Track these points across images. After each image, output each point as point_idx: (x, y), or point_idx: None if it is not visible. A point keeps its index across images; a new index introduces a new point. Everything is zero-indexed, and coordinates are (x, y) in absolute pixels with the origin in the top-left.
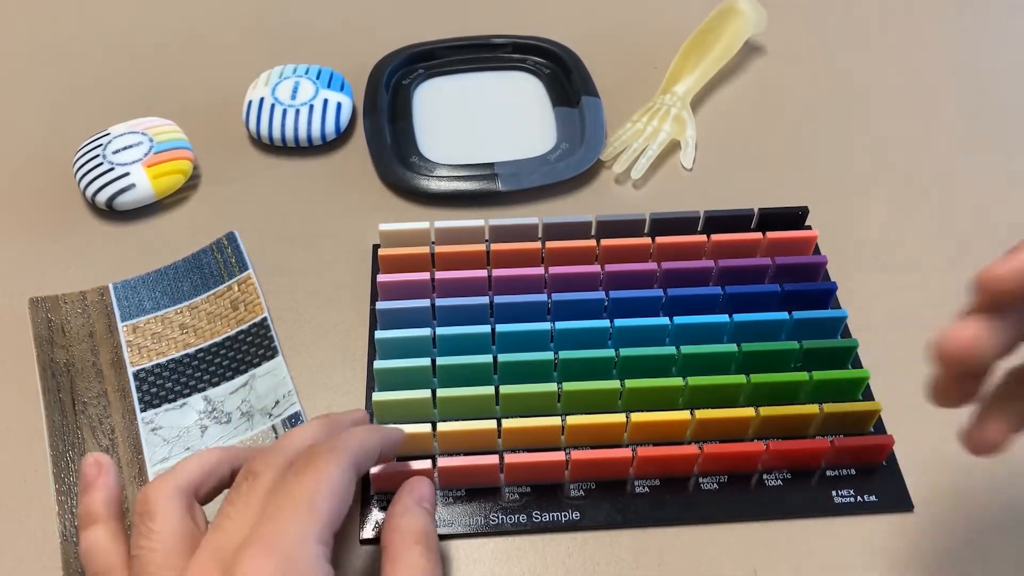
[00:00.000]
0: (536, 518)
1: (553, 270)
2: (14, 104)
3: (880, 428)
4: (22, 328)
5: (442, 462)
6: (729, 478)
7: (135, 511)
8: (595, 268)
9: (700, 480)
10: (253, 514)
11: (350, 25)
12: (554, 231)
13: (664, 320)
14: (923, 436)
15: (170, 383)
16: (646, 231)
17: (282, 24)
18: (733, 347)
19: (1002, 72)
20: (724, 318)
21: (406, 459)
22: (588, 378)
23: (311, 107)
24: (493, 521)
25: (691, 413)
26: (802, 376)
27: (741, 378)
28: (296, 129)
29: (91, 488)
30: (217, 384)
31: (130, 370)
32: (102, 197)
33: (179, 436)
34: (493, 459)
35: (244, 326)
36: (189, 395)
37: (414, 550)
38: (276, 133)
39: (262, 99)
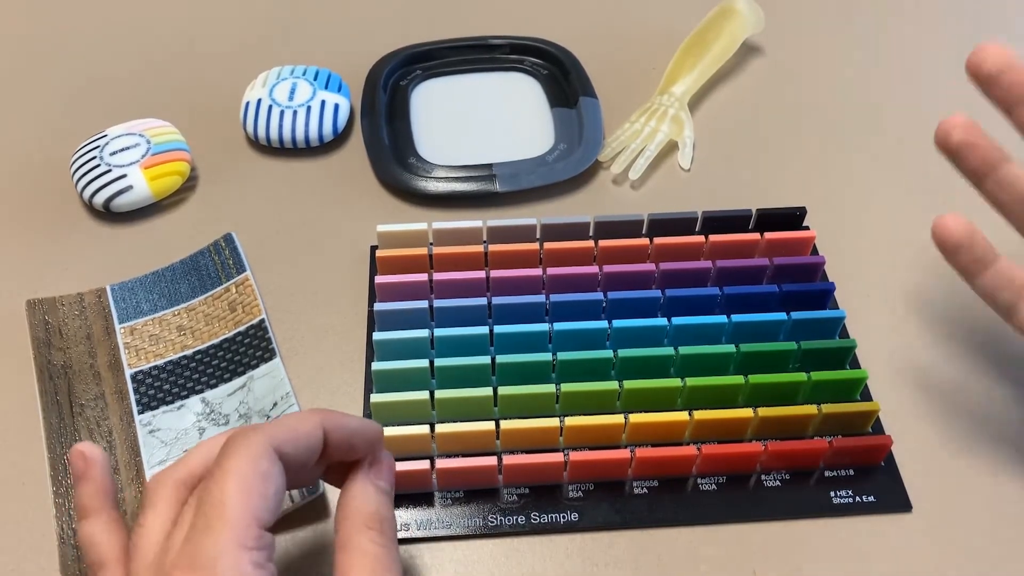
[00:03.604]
0: (535, 519)
1: (551, 271)
2: (11, 106)
3: (879, 428)
4: (19, 330)
5: (440, 463)
6: (728, 479)
7: (140, 503)
8: (593, 269)
9: (699, 481)
10: (188, 524)
11: (348, 26)
12: (552, 232)
13: (662, 321)
14: (921, 436)
15: (168, 385)
16: (644, 232)
17: (280, 25)
18: (731, 348)
19: None
20: (722, 319)
21: (405, 460)
22: (586, 379)
23: (308, 108)
24: (492, 522)
25: (689, 414)
26: (800, 376)
27: (739, 379)
28: (294, 130)
29: (80, 481)
30: (215, 386)
31: (128, 372)
32: (100, 199)
33: (177, 438)
34: (492, 460)
35: (242, 328)
36: (187, 397)
37: (365, 535)
38: (274, 134)
39: (260, 100)
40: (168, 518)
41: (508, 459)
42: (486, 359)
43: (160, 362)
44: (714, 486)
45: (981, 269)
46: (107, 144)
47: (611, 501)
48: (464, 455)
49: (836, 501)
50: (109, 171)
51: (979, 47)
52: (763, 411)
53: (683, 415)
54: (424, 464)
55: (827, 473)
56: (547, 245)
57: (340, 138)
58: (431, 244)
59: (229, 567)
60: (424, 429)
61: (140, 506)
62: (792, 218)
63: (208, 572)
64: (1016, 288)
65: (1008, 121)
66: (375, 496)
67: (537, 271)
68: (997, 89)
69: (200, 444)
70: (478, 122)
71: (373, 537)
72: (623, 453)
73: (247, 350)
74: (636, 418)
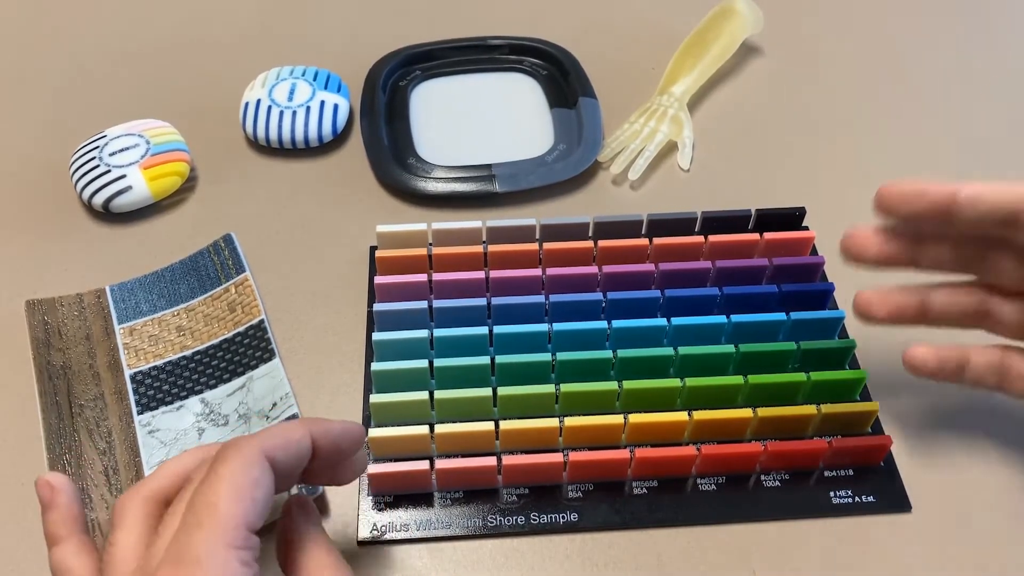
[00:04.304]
0: (534, 520)
1: (551, 271)
2: (11, 106)
3: (878, 428)
4: (19, 331)
5: (440, 464)
6: (727, 479)
7: (110, 523)
8: (593, 269)
9: (698, 481)
10: (175, 528)
11: (347, 27)
12: (551, 232)
13: (662, 321)
14: (921, 436)
15: (167, 385)
16: (643, 232)
17: (279, 26)
18: (731, 348)
19: (1001, 72)
20: (722, 319)
21: (404, 461)
22: (586, 379)
23: (308, 109)
24: (491, 523)
25: (689, 414)
26: (800, 377)
27: (739, 379)
28: (293, 131)
29: (47, 509)
30: (214, 386)
31: (127, 372)
32: (99, 199)
33: (176, 439)
34: (491, 461)
35: (241, 328)
36: (186, 397)
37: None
38: (273, 135)
39: (259, 101)
40: (139, 534)
41: (508, 459)
42: (485, 359)
43: (159, 362)
44: (713, 486)
45: (961, 373)
46: (106, 144)
47: (611, 501)
48: (464, 455)
49: (835, 501)
50: (108, 171)
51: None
52: (762, 411)
53: (682, 415)
54: (424, 464)
55: (826, 473)
56: (546, 245)
57: (339, 138)
58: (430, 244)
59: (217, 565)
60: (424, 429)
61: (110, 525)
62: (791, 218)
63: (195, 568)
64: (996, 372)
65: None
66: (316, 539)
67: (536, 271)
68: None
69: (167, 462)
70: (477, 122)
71: None
72: (623, 453)
73: (246, 350)
74: (635, 418)
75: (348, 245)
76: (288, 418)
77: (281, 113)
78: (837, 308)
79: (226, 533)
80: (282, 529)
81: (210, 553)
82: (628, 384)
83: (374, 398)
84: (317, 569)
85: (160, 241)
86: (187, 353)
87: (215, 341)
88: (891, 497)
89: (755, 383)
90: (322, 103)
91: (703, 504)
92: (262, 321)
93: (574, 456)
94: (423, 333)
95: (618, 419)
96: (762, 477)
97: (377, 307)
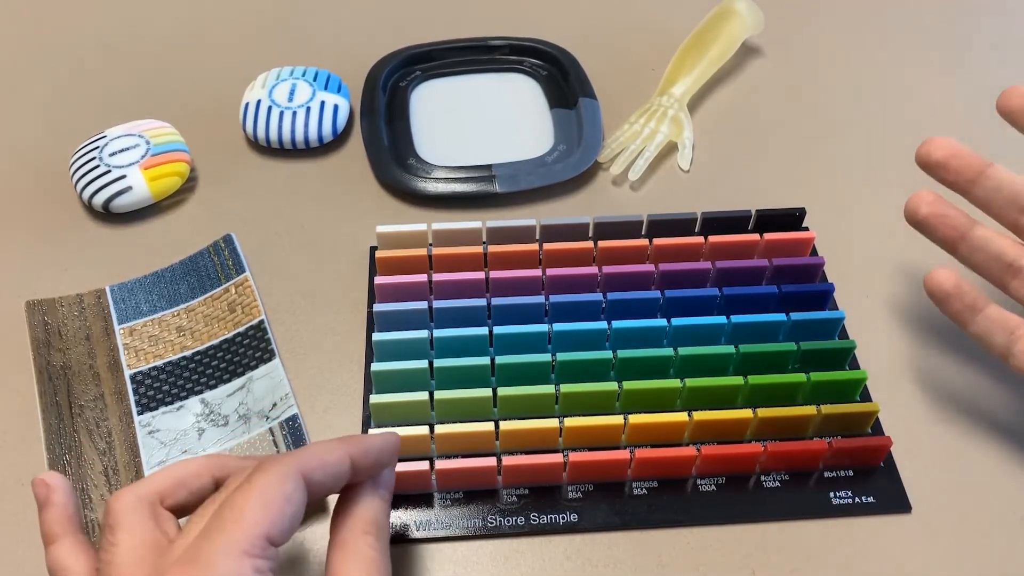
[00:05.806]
0: (534, 520)
1: (551, 272)
2: (10, 106)
3: (878, 429)
4: (19, 331)
5: (440, 464)
6: (727, 479)
7: (103, 523)
8: (593, 270)
9: (698, 482)
10: (198, 531)
11: (347, 27)
12: (552, 233)
13: (662, 322)
14: (921, 437)
15: (167, 386)
16: (643, 232)
17: (279, 26)
18: (731, 348)
19: (1000, 71)
20: (722, 319)
21: (404, 461)
22: (586, 380)
23: (308, 109)
24: (491, 523)
25: (689, 415)
26: (800, 377)
27: (739, 379)
28: (293, 131)
29: (43, 508)
30: (214, 387)
31: (127, 373)
32: (99, 199)
33: (176, 439)
34: (491, 461)
35: (241, 328)
36: (186, 398)
37: (363, 539)
38: (273, 135)
39: (259, 101)
40: (143, 536)
41: (507, 460)
42: (485, 360)
43: (159, 363)
44: (713, 487)
45: (972, 315)
46: (107, 145)
47: (610, 502)
48: (463, 456)
49: (835, 502)
50: (108, 172)
51: (927, 140)
52: (762, 412)
53: (682, 416)
54: (423, 465)
55: (826, 474)
56: (547, 246)
57: (340, 139)
58: (431, 245)
59: (230, 569)
60: (423, 430)
61: (104, 525)
62: (791, 219)
63: (206, 570)
64: (1008, 331)
65: (967, 200)
66: (377, 504)
67: (536, 272)
68: (948, 173)
69: (172, 464)
70: (477, 123)
71: (370, 542)
72: (622, 454)
73: (246, 351)
74: (635, 419)
75: (348, 245)
76: (288, 419)
77: (281, 113)
78: (837, 308)
79: (245, 540)
80: (345, 499)
81: (225, 556)
82: (628, 385)
83: (374, 398)
84: (356, 558)
85: (160, 241)
86: (187, 353)
87: (215, 341)
88: (891, 497)
89: (755, 384)
90: (322, 103)
91: (703, 504)
92: (262, 321)
93: (574, 456)
94: (423, 334)
95: (618, 420)
96: (762, 478)
97: (377, 307)
